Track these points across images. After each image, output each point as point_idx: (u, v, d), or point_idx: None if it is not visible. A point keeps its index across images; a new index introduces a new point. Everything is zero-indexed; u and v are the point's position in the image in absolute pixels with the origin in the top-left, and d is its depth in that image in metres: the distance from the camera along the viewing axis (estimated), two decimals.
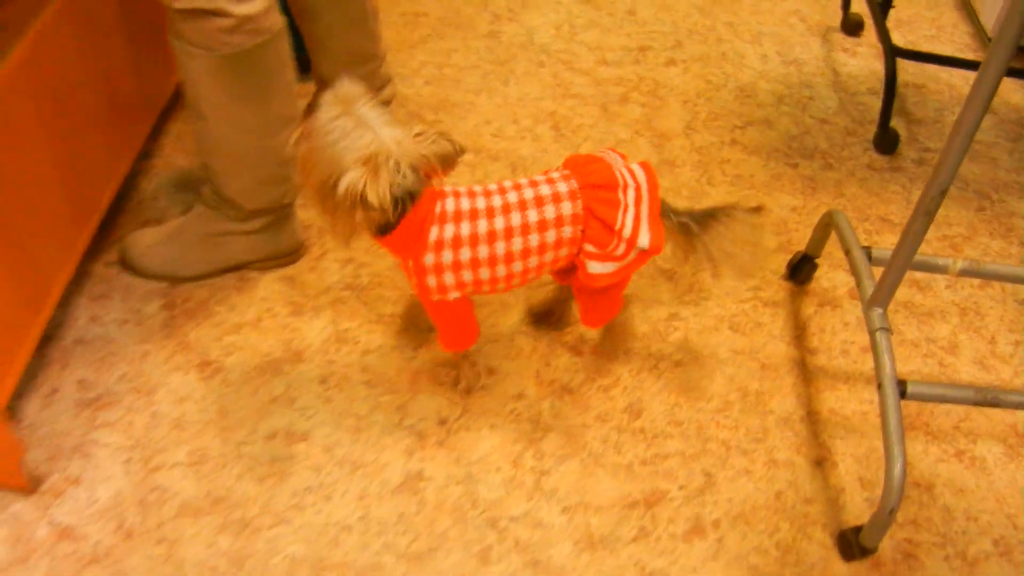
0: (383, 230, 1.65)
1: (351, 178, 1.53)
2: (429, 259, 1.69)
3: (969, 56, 3.22)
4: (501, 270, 1.72)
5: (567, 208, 1.70)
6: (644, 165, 1.75)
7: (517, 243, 1.70)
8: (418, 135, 1.61)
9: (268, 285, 2.16)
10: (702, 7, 3.27)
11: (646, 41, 3.06)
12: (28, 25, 1.75)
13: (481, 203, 1.70)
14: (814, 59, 3.08)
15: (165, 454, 1.84)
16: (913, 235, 1.76)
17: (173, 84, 2.42)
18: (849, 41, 3.20)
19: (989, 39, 3.23)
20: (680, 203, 2.37)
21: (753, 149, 2.67)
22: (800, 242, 2.37)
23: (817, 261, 2.26)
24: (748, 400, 2.03)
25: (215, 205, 2.09)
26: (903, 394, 1.77)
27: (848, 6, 3.27)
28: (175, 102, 2.53)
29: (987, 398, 1.83)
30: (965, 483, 1.94)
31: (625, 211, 1.71)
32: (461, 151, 1.65)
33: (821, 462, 1.93)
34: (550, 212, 1.69)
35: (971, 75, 3.10)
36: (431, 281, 1.71)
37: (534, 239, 1.70)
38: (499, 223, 1.69)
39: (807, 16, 3.30)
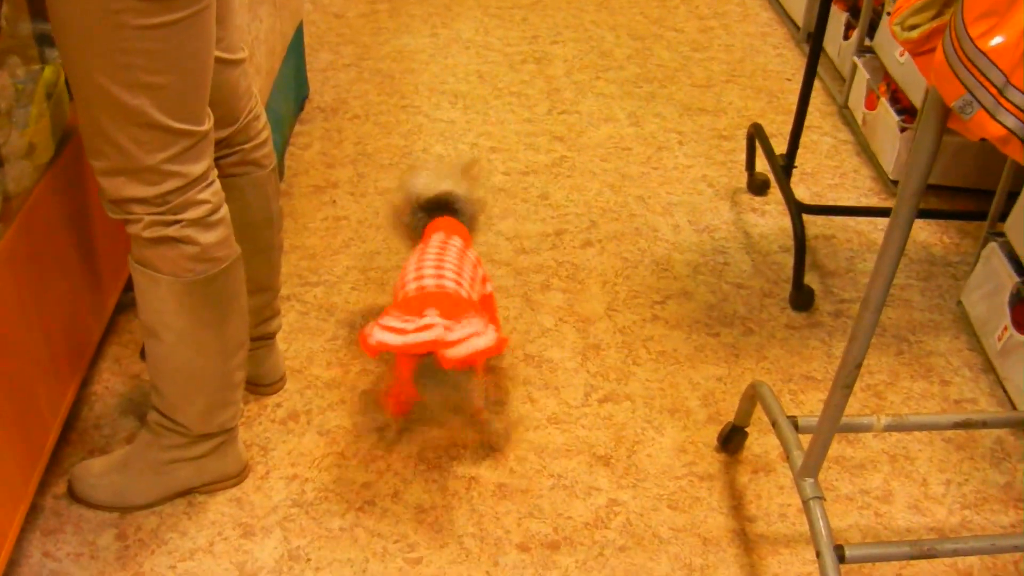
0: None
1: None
2: None
3: (874, 200, 3.34)
4: None
5: None
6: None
7: None
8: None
9: (217, 508, 2.18)
10: (612, 184, 3.36)
11: (561, 225, 3.13)
12: None
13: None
14: (725, 224, 3.18)
15: None
16: (834, 407, 1.84)
17: (109, 310, 2.44)
18: (757, 200, 3.30)
19: (892, 181, 3.36)
20: (608, 387, 2.46)
21: (675, 323, 2.74)
22: (728, 412, 2.44)
23: (747, 429, 2.32)
24: None
25: (161, 432, 2.11)
26: (842, 559, 1.83)
27: (753, 167, 3.37)
28: (111, 327, 2.57)
29: (923, 550, 1.90)
30: None
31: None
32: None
33: None
34: None
35: (877, 220, 3.22)
36: None
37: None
38: None
39: (714, 181, 3.41)
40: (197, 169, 1.82)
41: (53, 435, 2.14)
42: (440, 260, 2.27)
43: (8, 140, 1.98)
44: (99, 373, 2.50)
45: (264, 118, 2.18)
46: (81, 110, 1.75)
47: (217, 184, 1.89)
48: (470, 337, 2.06)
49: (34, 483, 2.04)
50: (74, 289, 2.22)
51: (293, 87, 3.49)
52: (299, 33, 3.53)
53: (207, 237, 1.87)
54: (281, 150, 3.25)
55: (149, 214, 1.81)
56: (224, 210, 1.91)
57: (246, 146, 2.13)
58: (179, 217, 1.82)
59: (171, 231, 1.82)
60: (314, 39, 4.24)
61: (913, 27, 1.56)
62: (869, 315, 1.73)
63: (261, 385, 2.43)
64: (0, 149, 1.97)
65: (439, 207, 2.47)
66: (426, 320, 2.08)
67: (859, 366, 1.79)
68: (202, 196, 1.84)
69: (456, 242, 2.36)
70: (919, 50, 1.57)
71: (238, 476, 2.23)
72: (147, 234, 1.82)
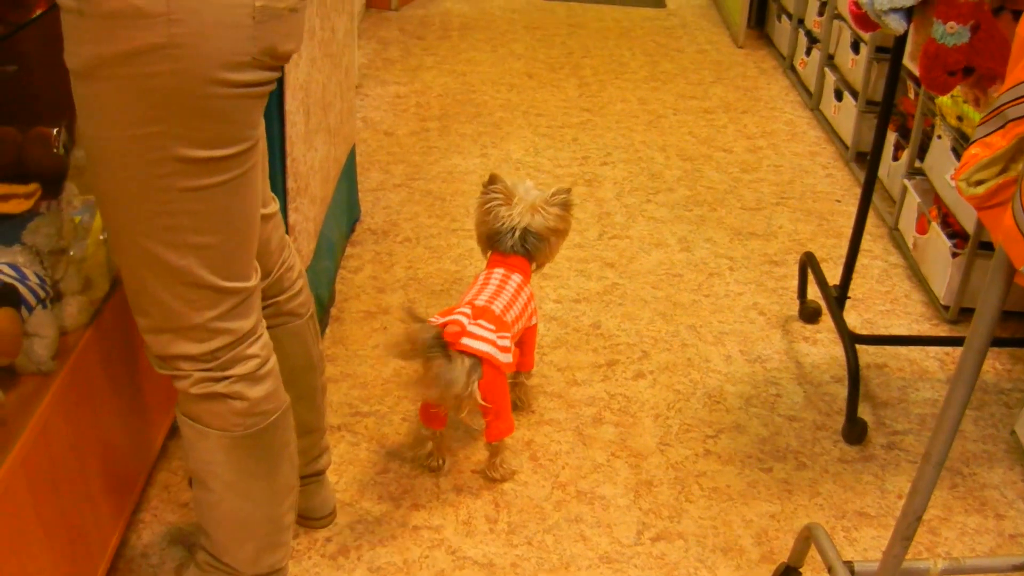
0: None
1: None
2: None
3: (925, 326, 3.32)
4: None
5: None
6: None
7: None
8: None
9: None
10: (664, 312, 3.35)
11: (613, 355, 3.12)
12: (26, 418, 1.78)
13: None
14: (777, 353, 3.16)
15: None
16: (893, 559, 1.83)
17: (160, 440, 2.44)
18: (808, 329, 3.29)
19: (943, 306, 3.34)
20: (661, 525, 2.43)
21: (727, 458, 2.71)
22: (782, 550, 2.40)
23: (800, 569, 2.29)
24: None
25: (210, 571, 2.08)
26: None
27: (804, 296, 3.36)
28: (161, 452, 2.56)
29: None
30: None
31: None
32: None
33: None
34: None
35: (930, 348, 3.20)
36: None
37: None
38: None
39: (765, 308, 3.39)
40: (246, 325, 1.81)
41: (102, 568, 2.12)
42: (498, 291, 2.54)
43: (66, 275, 1.99)
44: (148, 500, 2.48)
45: (299, 267, 2.17)
46: (125, 271, 1.73)
47: (266, 337, 1.88)
48: (487, 342, 2.36)
49: None
50: (125, 421, 2.22)
51: (345, 210, 3.51)
52: (351, 156, 3.56)
53: (256, 391, 1.85)
54: (332, 276, 3.26)
55: (198, 370, 1.79)
56: (272, 362, 1.89)
57: (280, 298, 2.12)
58: (228, 373, 1.81)
59: (220, 387, 1.81)
60: (365, 158, 4.28)
61: (979, 182, 1.55)
62: (931, 470, 1.72)
63: (311, 519, 2.41)
64: (58, 284, 1.98)
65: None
66: (455, 313, 2.41)
67: (919, 519, 1.77)
68: (251, 351, 1.83)
69: (515, 279, 2.61)
70: (985, 205, 1.57)
71: None
72: (195, 390, 1.81)
